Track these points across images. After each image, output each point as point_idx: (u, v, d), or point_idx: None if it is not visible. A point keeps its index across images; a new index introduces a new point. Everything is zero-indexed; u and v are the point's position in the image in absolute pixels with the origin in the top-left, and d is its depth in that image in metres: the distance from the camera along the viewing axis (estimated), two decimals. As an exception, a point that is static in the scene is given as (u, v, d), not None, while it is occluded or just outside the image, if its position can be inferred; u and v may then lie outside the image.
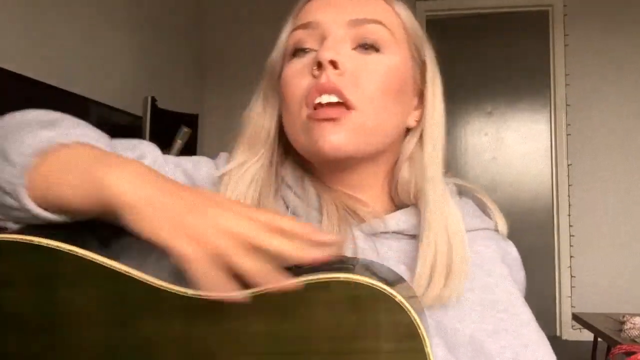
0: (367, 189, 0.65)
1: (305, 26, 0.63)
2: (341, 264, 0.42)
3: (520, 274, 0.65)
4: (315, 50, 0.61)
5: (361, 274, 0.39)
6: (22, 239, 0.43)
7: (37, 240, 0.42)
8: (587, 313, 2.74)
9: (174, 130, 2.92)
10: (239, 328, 0.40)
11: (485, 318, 0.57)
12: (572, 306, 3.58)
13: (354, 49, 0.61)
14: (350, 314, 0.39)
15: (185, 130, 2.93)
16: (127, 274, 0.42)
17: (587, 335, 2.75)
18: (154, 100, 2.84)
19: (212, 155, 0.69)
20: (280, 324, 0.40)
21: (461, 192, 0.68)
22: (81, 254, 0.42)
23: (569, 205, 3.70)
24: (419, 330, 0.39)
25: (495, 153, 3.84)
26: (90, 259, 0.42)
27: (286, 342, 0.40)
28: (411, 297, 0.41)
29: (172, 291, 0.41)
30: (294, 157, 0.66)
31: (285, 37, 0.65)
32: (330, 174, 0.64)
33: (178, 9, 3.61)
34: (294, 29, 0.64)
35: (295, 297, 0.39)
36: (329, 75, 0.58)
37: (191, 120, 3.10)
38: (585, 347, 2.75)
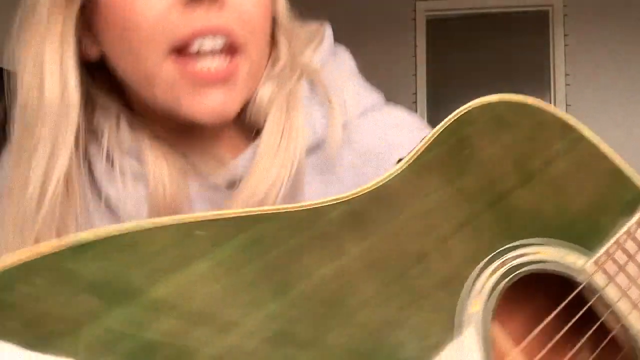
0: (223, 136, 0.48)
1: None
2: None
3: None
4: None
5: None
6: None
7: None
8: (587, 313, 2.74)
9: (173, 130, 2.93)
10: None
11: None
12: (572, 306, 3.58)
13: None
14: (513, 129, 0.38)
15: (185, 130, 2.93)
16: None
17: (587, 336, 2.75)
18: (153, 100, 2.84)
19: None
20: (445, 174, 0.37)
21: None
22: None
23: (569, 205, 3.69)
24: (569, 121, 0.38)
25: (495, 153, 3.84)
26: None
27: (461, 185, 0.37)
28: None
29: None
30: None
31: None
32: (176, 135, 0.46)
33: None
34: None
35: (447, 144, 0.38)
36: (211, 11, 0.40)
37: (191, 120, 3.10)
38: (585, 347, 2.74)
